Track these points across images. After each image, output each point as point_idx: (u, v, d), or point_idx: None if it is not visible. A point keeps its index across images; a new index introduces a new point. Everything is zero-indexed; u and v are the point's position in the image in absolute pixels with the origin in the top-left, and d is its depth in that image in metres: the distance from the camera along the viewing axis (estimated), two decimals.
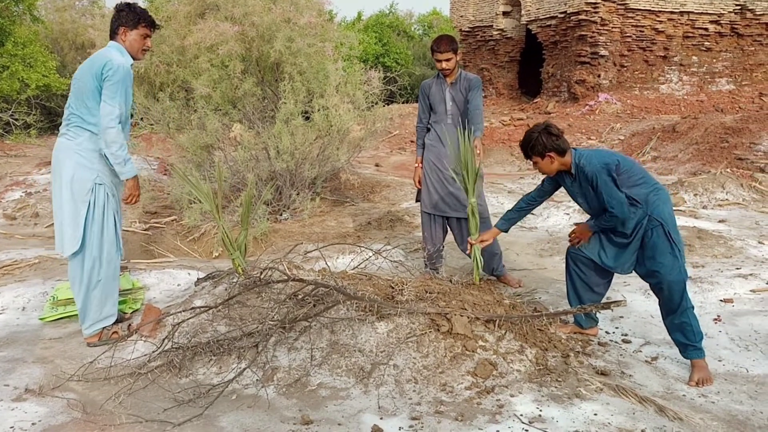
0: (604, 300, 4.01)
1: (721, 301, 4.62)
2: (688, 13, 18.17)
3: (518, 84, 21.32)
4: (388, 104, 9.36)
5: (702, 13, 18.28)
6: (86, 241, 3.85)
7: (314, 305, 3.78)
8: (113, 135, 3.77)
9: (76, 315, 4.12)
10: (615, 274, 3.86)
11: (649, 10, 17.80)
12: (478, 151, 4.47)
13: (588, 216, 3.88)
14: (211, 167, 7.34)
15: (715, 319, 4.30)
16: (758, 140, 10.91)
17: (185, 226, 6.96)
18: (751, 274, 5.05)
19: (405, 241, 6.26)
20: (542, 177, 3.97)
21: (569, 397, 3.23)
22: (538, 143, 3.62)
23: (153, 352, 3.67)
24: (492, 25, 20.85)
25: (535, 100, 19.48)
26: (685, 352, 3.56)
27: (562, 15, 17.99)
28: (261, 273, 4.10)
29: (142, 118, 7.91)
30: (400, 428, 2.98)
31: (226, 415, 3.14)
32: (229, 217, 6.80)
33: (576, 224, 3.90)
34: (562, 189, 3.94)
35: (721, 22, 18.56)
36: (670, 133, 12.71)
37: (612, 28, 17.50)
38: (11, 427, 3.02)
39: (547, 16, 18.65)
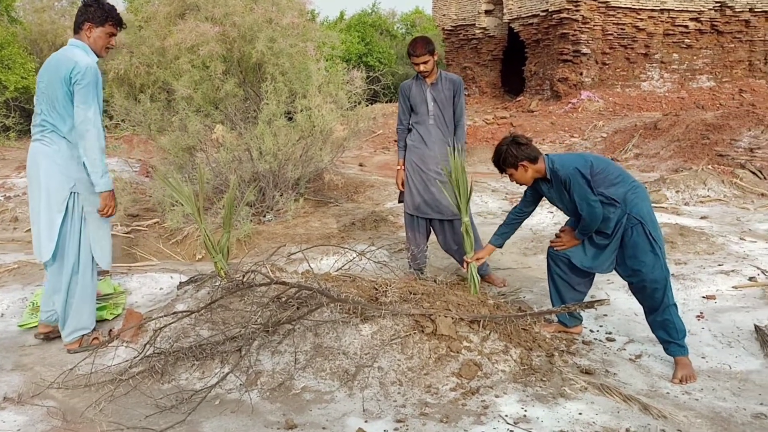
0: (587, 298, 4.02)
1: (703, 297, 4.65)
2: (669, 10, 18.33)
3: (501, 82, 21.40)
4: (371, 104, 9.34)
5: (682, 10, 18.45)
6: (63, 248, 3.79)
7: (298, 308, 3.75)
8: (92, 140, 3.67)
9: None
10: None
11: (630, 8, 17.93)
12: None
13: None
14: (194, 169, 7.28)
15: (698, 316, 4.33)
16: (738, 136, 11.01)
17: (168, 228, 6.89)
18: (732, 271, 5.09)
19: (389, 242, 6.25)
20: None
21: (554, 396, 3.23)
22: (509, 155, 3.67)
23: (134, 357, 3.62)
24: (474, 24, 20.90)
25: (518, 99, 19.56)
26: (669, 349, 3.58)
27: (544, 13, 18.07)
28: (244, 276, 4.07)
29: (123, 120, 7.81)
30: (384, 431, 2.96)
31: (209, 420, 3.10)
32: (212, 219, 6.74)
33: (562, 229, 3.91)
34: None
35: (701, 19, 18.73)
36: (652, 130, 12.81)
37: (593, 26, 17.61)
38: None
39: (529, 14, 18.73)
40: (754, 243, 5.96)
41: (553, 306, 3.98)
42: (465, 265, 4.31)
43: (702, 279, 4.94)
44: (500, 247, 4.20)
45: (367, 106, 8.41)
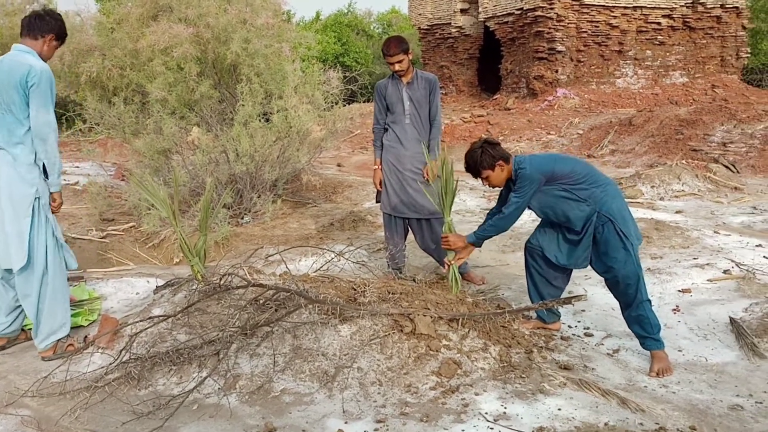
0: (565, 293, 4.05)
1: (679, 291, 4.70)
2: (641, 7, 18.54)
3: (478, 81, 21.49)
4: (348, 104, 9.32)
5: (655, 7, 18.67)
6: (33, 254, 3.75)
7: (276, 310, 3.73)
8: (53, 142, 3.74)
9: (30, 328, 3.99)
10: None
11: (604, 6, 18.11)
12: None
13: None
14: (170, 172, 7.20)
15: (674, 310, 4.37)
16: (711, 131, 11.16)
17: (144, 232, 6.81)
18: (707, 264, 5.15)
19: (368, 242, 6.24)
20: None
21: (533, 392, 3.24)
22: (485, 157, 3.71)
23: (110, 364, 3.57)
24: (450, 23, 20.98)
25: (494, 97, 19.65)
26: (645, 343, 3.61)
27: (519, 11, 18.18)
28: (221, 279, 4.03)
29: (97, 123, 7.71)
30: (364, 431, 2.96)
31: (187, 426, 3.07)
32: (189, 222, 6.68)
33: (448, 234, 4.14)
34: None
35: (674, 16, 18.97)
36: (627, 127, 12.94)
37: (568, 23, 17.75)
38: None
39: (504, 12, 18.83)
40: (728, 236, 6.03)
41: (531, 302, 4.00)
42: (446, 265, 4.31)
43: (677, 273, 4.99)
44: (479, 246, 4.22)
45: (345, 106, 8.38)
